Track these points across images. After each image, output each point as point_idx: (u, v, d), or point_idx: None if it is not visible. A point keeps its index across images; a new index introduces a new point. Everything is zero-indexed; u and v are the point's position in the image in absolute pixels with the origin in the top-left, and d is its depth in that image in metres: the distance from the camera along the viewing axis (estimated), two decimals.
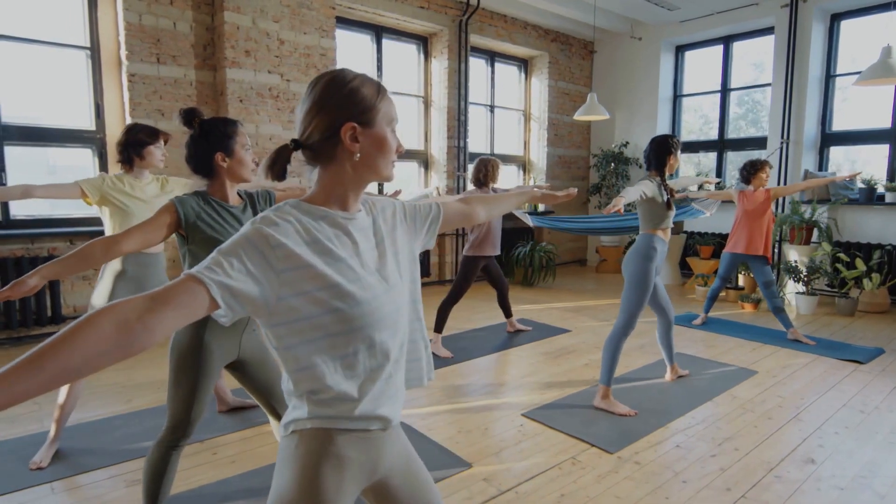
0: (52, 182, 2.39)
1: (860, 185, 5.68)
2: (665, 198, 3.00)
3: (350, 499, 1.00)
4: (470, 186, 4.13)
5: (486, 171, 3.94)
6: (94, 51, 4.29)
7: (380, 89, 1.00)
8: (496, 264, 4.26)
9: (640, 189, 2.91)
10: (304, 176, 5.33)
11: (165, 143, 2.51)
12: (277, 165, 0.99)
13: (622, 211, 2.65)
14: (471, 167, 6.69)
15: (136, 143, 2.41)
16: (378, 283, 0.99)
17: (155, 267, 2.53)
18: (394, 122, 1.02)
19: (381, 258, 1.03)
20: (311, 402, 0.98)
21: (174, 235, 1.71)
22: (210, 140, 1.67)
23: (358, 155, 0.96)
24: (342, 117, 0.95)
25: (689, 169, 7.44)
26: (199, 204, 1.69)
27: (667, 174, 3.07)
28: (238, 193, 1.81)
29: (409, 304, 1.08)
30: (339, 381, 0.96)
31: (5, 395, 0.65)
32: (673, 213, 3.05)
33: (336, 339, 0.94)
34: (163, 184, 2.55)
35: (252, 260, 0.86)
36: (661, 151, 3.03)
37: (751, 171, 4.34)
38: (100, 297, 2.41)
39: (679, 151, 3.07)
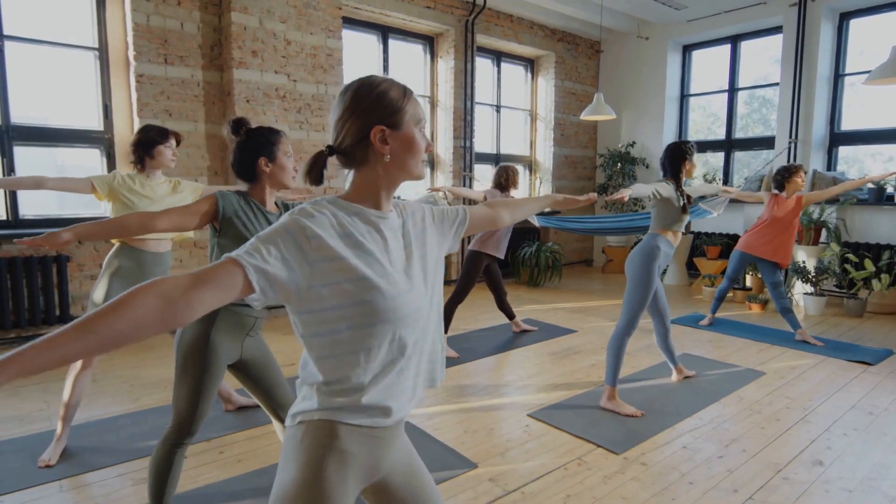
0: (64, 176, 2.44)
1: (869, 185, 5.64)
2: (682, 202, 3.02)
3: (351, 496, 1.00)
4: (477, 186, 4.17)
5: (507, 176, 4.11)
6: (103, 51, 4.32)
7: (406, 92, 1.03)
8: (497, 268, 4.29)
9: (653, 188, 2.92)
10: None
11: (178, 143, 2.54)
12: (314, 170, 1.03)
13: (626, 199, 2.68)
14: (481, 168, 6.69)
15: (146, 143, 2.44)
16: (403, 281, 1.01)
17: (155, 265, 2.53)
18: (421, 123, 1.05)
19: (408, 259, 1.06)
20: (321, 393, 0.99)
21: (199, 232, 1.75)
22: (255, 146, 1.74)
23: (388, 156, 1.00)
24: (371, 121, 0.99)
25: (696, 168, 7.40)
26: (240, 202, 1.75)
27: (683, 179, 3.08)
28: (275, 202, 1.87)
29: (429, 307, 1.09)
30: (359, 372, 0.98)
31: (58, 354, 0.72)
32: (687, 218, 3.07)
33: (360, 331, 0.96)
34: (174, 186, 2.57)
35: (288, 248, 0.91)
36: (676, 158, 3.05)
37: (785, 176, 4.21)
38: (99, 293, 2.43)
39: (694, 156, 3.09)
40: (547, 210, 7.43)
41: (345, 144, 1.01)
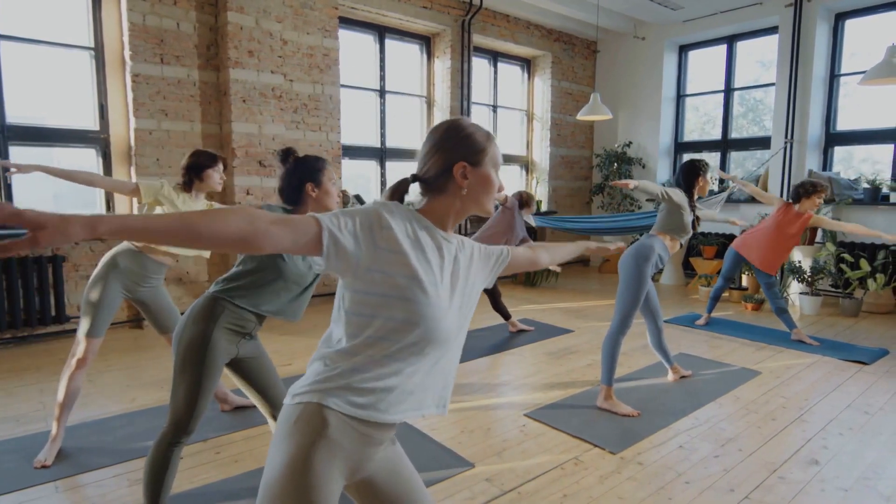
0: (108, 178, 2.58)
1: (865, 184, 5.66)
2: (692, 217, 3.10)
3: (336, 485, 1.03)
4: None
5: (520, 198, 4.46)
6: (98, 51, 4.31)
7: (489, 136, 1.16)
8: None
9: (663, 189, 2.99)
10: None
11: (225, 167, 2.66)
12: (397, 195, 1.15)
13: (630, 187, 2.78)
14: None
15: (197, 167, 2.55)
16: (446, 301, 1.09)
17: (156, 272, 2.57)
18: (498, 165, 1.17)
19: (453, 287, 1.14)
20: (327, 372, 1.05)
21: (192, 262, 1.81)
22: (302, 172, 1.82)
23: (465, 190, 1.12)
24: (456, 157, 1.11)
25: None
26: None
27: (696, 195, 3.16)
28: None
29: (456, 334, 1.14)
30: (376, 357, 1.04)
31: (151, 226, 0.83)
32: (690, 234, 3.14)
33: (394, 324, 1.03)
34: (209, 207, 2.66)
35: (362, 228, 1.01)
36: (690, 175, 3.14)
37: (808, 191, 3.99)
38: (95, 292, 2.42)
39: (708, 174, 3.16)
40: (543, 209, 7.44)
41: (429, 174, 1.13)
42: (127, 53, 4.29)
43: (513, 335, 4.43)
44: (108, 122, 4.36)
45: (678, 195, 3.03)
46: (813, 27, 5.89)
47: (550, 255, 1.52)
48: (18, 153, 4.11)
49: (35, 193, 4.26)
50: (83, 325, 2.41)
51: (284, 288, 1.81)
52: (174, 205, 2.52)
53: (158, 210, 2.52)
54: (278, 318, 1.85)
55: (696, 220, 3.13)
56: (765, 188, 6.30)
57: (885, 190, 5.58)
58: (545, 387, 3.31)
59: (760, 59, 6.78)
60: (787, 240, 4.13)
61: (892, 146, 5.72)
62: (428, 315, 1.04)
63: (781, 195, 6.05)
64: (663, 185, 3.25)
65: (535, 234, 7.20)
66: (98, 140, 4.35)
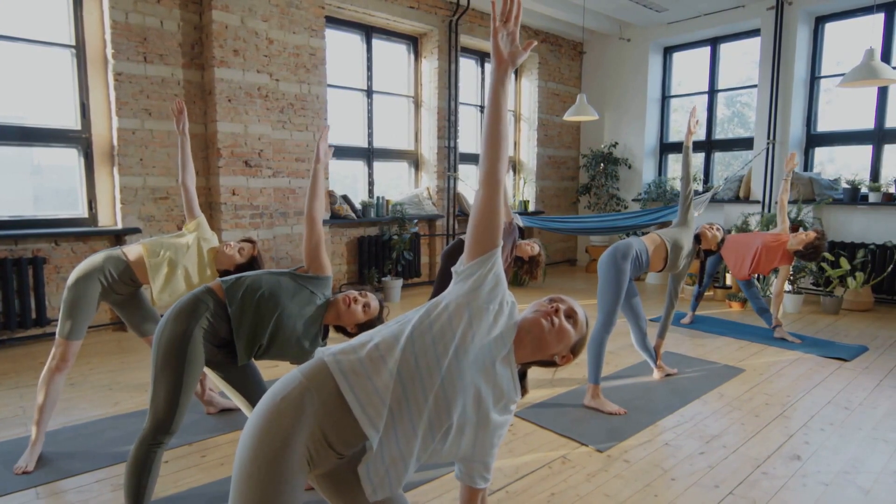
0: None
1: (844, 185, 5.76)
2: (687, 261, 3.27)
3: (300, 445, 1.12)
4: (461, 186, 4.15)
5: (521, 233, 4.39)
6: (80, 49, 4.24)
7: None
8: None
9: (690, 197, 3.26)
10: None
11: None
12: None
13: (695, 124, 3.14)
14: (465, 168, 6.70)
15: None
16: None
17: (131, 278, 2.50)
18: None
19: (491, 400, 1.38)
20: (343, 356, 1.18)
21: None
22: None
23: (558, 358, 1.35)
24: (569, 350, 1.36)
25: (675, 169, 7.49)
26: (304, 285, 1.91)
27: (701, 252, 3.38)
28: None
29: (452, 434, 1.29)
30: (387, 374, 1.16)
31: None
32: (681, 277, 3.32)
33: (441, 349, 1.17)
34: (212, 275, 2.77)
35: (500, 281, 1.25)
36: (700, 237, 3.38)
37: (813, 249, 3.98)
38: (73, 289, 2.37)
39: (715, 234, 3.31)
40: (531, 209, 7.45)
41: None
42: (109, 52, 4.23)
43: None
44: (90, 121, 4.30)
45: (690, 247, 3.21)
46: (794, 30, 5.99)
47: None
48: None
49: (14, 197, 4.18)
50: (62, 327, 2.37)
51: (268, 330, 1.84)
52: (200, 251, 2.56)
53: (158, 260, 2.46)
54: (238, 343, 1.82)
55: (682, 290, 3.24)
56: (748, 189, 6.39)
57: (863, 190, 5.69)
58: (533, 386, 3.32)
59: (744, 61, 6.87)
60: (769, 264, 4.19)
61: (870, 147, 5.83)
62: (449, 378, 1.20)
63: (764, 196, 6.14)
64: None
65: (522, 233, 7.22)
66: (79, 140, 4.28)
